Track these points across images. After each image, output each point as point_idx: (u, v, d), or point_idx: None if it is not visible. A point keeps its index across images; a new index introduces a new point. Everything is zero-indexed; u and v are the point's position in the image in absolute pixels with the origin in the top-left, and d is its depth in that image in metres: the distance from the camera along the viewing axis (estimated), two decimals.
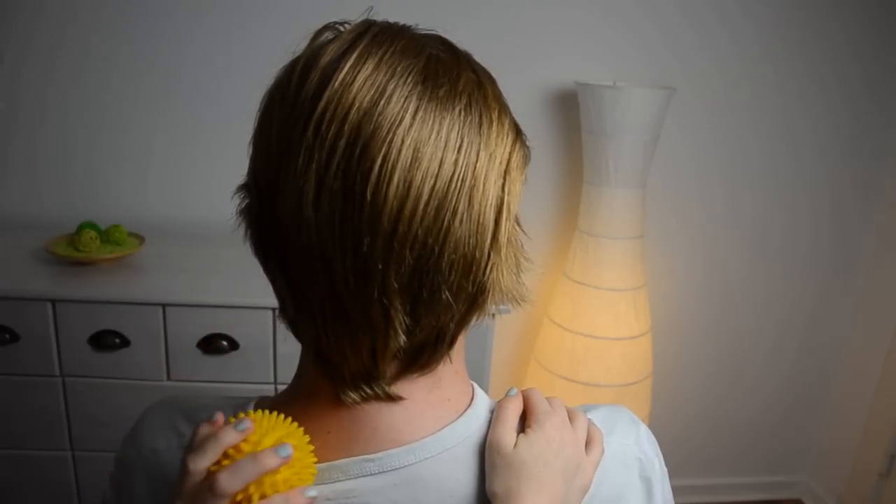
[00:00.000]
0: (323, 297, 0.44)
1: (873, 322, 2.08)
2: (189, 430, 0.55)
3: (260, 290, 1.36)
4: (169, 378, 1.43)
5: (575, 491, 0.50)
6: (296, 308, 0.47)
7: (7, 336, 1.36)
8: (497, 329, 1.53)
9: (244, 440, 0.45)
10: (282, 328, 0.50)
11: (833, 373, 2.22)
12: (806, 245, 2.07)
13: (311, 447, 0.47)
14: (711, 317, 2.11)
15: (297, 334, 0.50)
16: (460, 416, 0.51)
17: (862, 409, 2.10)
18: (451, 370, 0.52)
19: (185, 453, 0.46)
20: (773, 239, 2.05)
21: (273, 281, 0.48)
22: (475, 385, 0.55)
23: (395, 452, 0.49)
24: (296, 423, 0.48)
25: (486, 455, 0.49)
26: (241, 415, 0.48)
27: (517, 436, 0.50)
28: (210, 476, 0.44)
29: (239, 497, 0.44)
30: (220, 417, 0.47)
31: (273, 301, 0.49)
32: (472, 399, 0.53)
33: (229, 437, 0.45)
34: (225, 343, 1.40)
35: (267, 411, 0.48)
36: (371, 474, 0.48)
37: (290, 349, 0.52)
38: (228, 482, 0.44)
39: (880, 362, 2.03)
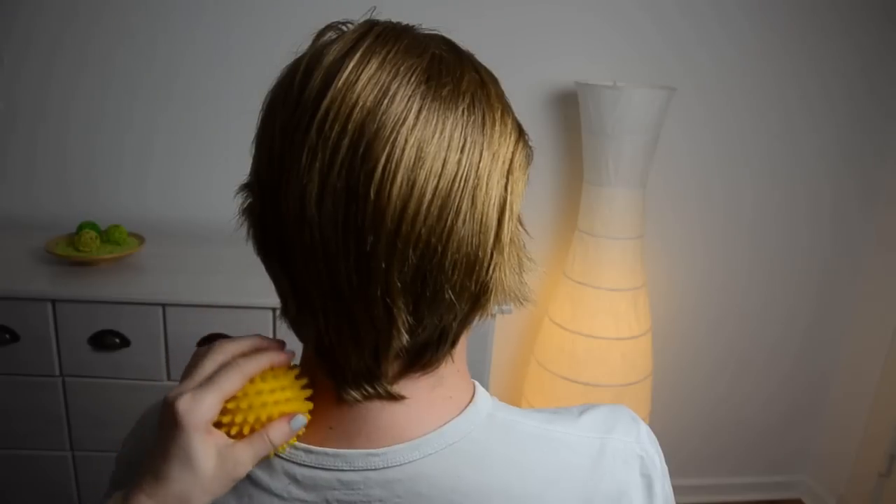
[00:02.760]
0: (325, 296, 0.45)
1: (873, 322, 2.08)
2: None
3: (260, 290, 1.36)
4: (169, 378, 1.43)
5: None
6: (298, 307, 0.47)
7: (7, 336, 1.36)
8: (497, 329, 1.53)
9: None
10: (282, 328, 0.50)
11: (833, 373, 2.22)
12: (806, 245, 2.07)
13: (307, 392, 0.50)
14: (711, 317, 2.11)
15: (299, 333, 0.50)
16: (462, 412, 0.52)
17: (862, 409, 2.10)
18: (453, 369, 0.52)
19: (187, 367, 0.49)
20: (772, 239, 2.05)
21: (275, 280, 0.49)
22: (476, 383, 0.55)
23: (398, 448, 0.49)
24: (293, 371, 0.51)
25: None
26: None
27: None
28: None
29: (227, 420, 0.47)
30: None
31: (273, 301, 0.49)
32: (473, 396, 0.54)
33: (269, 355, 0.49)
34: None
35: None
36: (376, 468, 0.49)
37: (291, 349, 0.52)
38: (246, 363, 0.48)
39: (880, 363, 2.03)
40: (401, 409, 0.49)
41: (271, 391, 0.48)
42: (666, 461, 0.58)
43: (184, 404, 0.45)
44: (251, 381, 0.48)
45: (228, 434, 0.47)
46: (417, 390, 0.50)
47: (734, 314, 2.11)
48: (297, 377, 0.50)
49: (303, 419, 0.48)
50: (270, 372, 0.49)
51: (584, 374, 1.76)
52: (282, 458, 0.50)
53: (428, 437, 0.49)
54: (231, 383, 0.47)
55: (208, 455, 0.46)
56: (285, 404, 0.48)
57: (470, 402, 0.53)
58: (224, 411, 0.47)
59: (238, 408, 0.47)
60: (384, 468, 0.49)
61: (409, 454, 0.49)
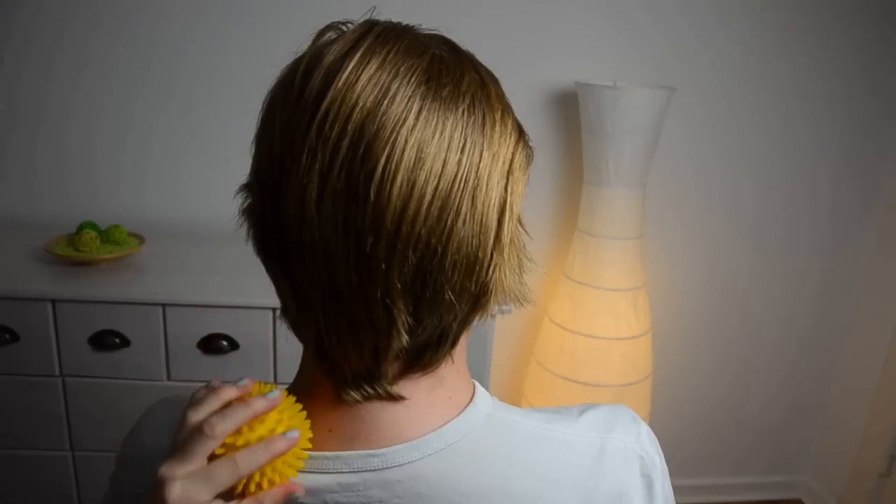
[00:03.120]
0: (325, 297, 0.45)
1: (873, 322, 2.08)
2: None
3: (260, 290, 1.36)
4: (169, 378, 1.43)
5: None
6: (298, 308, 0.47)
7: (7, 336, 1.36)
8: (497, 329, 1.53)
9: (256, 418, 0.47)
10: (282, 328, 0.50)
11: (833, 372, 2.22)
12: (806, 245, 2.07)
13: (310, 434, 0.48)
14: (711, 317, 2.11)
15: (299, 334, 0.50)
16: (462, 412, 0.52)
17: (862, 409, 2.10)
18: (453, 369, 0.52)
19: (185, 409, 0.47)
20: (772, 239, 2.05)
21: (275, 281, 0.48)
22: (476, 383, 0.55)
23: (398, 449, 0.49)
24: (301, 409, 0.49)
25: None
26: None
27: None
28: (204, 421, 0.45)
29: (240, 488, 0.45)
30: (248, 384, 0.49)
31: (273, 301, 0.49)
32: (472, 396, 0.54)
33: (228, 392, 0.47)
34: (225, 343, 1.40)
35: (284, 391, 0.49)
36: (375, 469, 0.49)
37: (291, 349, 0.52)
38: (220, 422, 0.44)
39: (880, 362, 2.03)
40: (400, 410, 0.49)
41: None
42: (666, 461, 0.58)
43: (174, 495, 0.43)
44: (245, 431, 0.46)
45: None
46: (417, 391, 0.50)
47: (734, 314, 2.11)
48: (299, 408, 0.49)
49: (297, 488, 0.47)
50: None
51: (584, 374, 1.76)
52: None
53: (427, 438, 0.49)
54: (224, 478, 0.44)
55: None
56: (281, 466, 0.46)
57: (470, 402, 0.53)
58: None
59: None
60: (383, 469, 0.49)
61: (408, 455, 0.49)
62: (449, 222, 0.43)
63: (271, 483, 0.46)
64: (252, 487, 0.46)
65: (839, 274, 2.12)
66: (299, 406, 0.49)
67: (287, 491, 0.47)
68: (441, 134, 0.42)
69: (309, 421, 0.49)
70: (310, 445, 0.48)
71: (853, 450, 2.12)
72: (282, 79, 0.46)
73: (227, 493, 0.45)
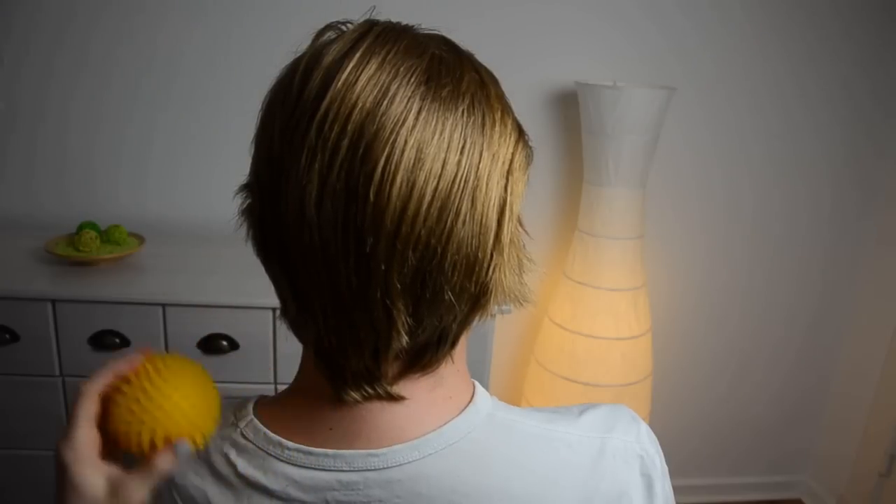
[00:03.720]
0: (325, 297, 0.44)
1: (873, 322, 2.08)
2: None
3: (260, 290, 1.36)
4: None
5: None
6: (297, 308, 0.47)
7: (7, 336, 1.36)
8: (497, 329, 1.53)
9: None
10: (282, 328, 0.50)
11: (833, 372, 2.22)
12: (806, 244, 2.07)
13: (217, 399, 0.51)
14: (711, 317, 2.11)
15: (299, 334, 0.50)
16: (461, 412, 0.52)
17: (862, 409, 2.10)
18: (452, 370, 0.52)
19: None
20: (773, 238, 2.05)
21: (275, 281, 0.48)
22: (476, 383, 0.55)
23: (398, 448, 0.49)
24: (205, 372, 0.51)
25: None
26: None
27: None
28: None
29: (123, 430, 0.48)
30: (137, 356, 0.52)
31: (273, 301, 0.49)
32: (472, 396, 0.54)
33: (120, 364, 0.50)
34: (225, 343, 1.40)
35: (181, 356, 0.52)
36: (375, 469, 0.49)
37: (291, 349, 0.52)
38: (87, 382, 0.49)
39: (880, 363, 2.03)
40: (400, 410, 0.49)
41: (165, 397, 0.48)
42: (666, 461, 0.58)
43: (61, 444, 0.48)
44: (145, 389, 0.48)
45: (129, 450, 0.49)
46: (417, 391, 0.50)
47: (734, 314, 2.11)
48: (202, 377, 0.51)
49: (186, 447, 0.49)
50: (168, 372, 0.50)
51: (584, 374, 1.76)
52: (280, 459, 0.50)
53: (428, 438, 0.49)
54: (85, 408, 0.48)
55: (96, 485, 0.47)
56: (179, 416, 0.48)
57: (470, 402, 0.53)
58: (117, 430, 0.48)
59: (129, 423, 0.48)
60: (384, 468, 0.49)
61: (408, 454, 0.49)
62: (448, 223, 0.43)
63: (167, 435, 0.48)
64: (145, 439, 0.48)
65: (839, 274, 2.12)
66: (208, 379, 0.51)
67: (174, 453, 0.49)
68: (440, 134, 0.42)
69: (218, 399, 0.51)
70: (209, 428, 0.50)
71: (853, 450, 2.12)
72: (281, 79, 0.46)
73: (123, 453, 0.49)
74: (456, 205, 0.43)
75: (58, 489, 0.48)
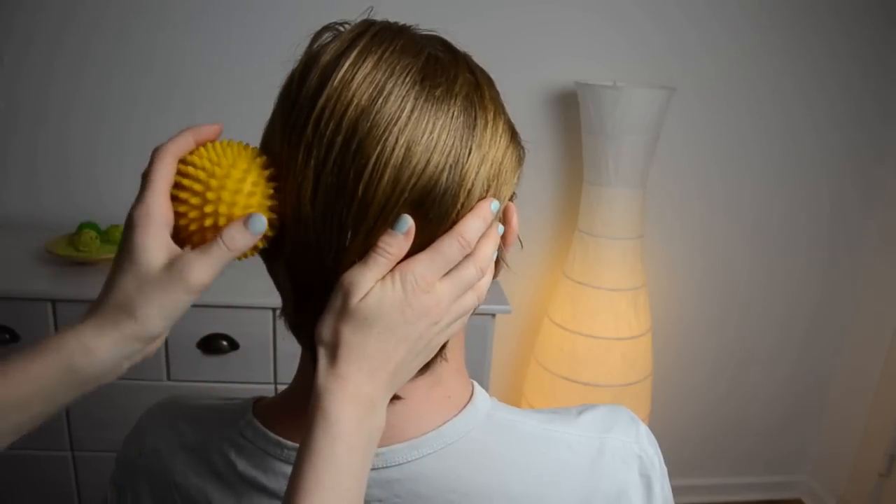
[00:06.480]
0: (321, 295, 0.45)
1: (873, 322, 2.08)
2: (190, 430, 0.55)
3: (260, 290, 1.36)
4: (169, 378, 1.43)
5: (412, 367, 0.46)
6: (295, 307, 0.47)
7: (7, 336, 1.36)
8: (497, 329, 1.53)
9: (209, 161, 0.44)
10: (282, 328, 0.50)
11: (833, 372, 2.22)
12: (806, 244, 2.07)
13: (272, 189, 0.45)
14: (711, 317, 2.11)
15: (298, 335, 0.50)
16: (460, 411, 0.52)
17: (862, 409, 2.10)
18: (450, 368, 0.52)
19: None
20: (773, 239, 2.05)
21: (276, 280, 0.49)
22: (475, 383, 0.55)
23: (397, 448, 0.49)
24: (260, 157, 0.45)
25: (333, 293, 0.44)
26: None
27: (375, 284, 0.43)
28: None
29: (191, 214, 0.44)
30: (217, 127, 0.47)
31: (273, 301, 0.49)
32: (471, 395, 0.54)
33: (202, 129, 0.46)
34: (225, 343, 1.40)
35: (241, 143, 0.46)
36: (375, 468, 0.49)
37: (291, 349, 0.52)
38: (165, 144, 0.44)
39: (880, 362, 2.03)
40: (399, 409, 0.49)
41: (232, 180, 0.43)
42: (666, 461, 0.58)
43: (134, 207, 0.43)
44: (208, 172, 0.44)
45: (192, 237, 0.44)
46: (415, 390, 0.50)
47: (734, 314, 2.11)
48: (263, 166, 0.45)
49: (262, 221, 0.43)
50: (227, 156, 0.44)
51: (584, 374, 1.76)
52: (280, 459, 0.50)
53: (426, 437, 0.50)
54: (163, 173, 0.44)
55: (153, 250, 0.42)
56: (246, 197, 0.43)
57: (468, 401, 0.53)
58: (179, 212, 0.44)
59: (189, 202, 0.44)
60: (383, 468, 0.49)
61: (407, 454, 0.49)
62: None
63: (231, 216, 0.43)
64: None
65: (839, 274, 2.12)
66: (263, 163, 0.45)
67: (248, 230, 0.43)
68: (430, 133, 0.43)
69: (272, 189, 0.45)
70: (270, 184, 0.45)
71: (853, 450, 2.12)
72: (285, 81, 0.47)
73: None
74: (437, 203, 0.43)
75: (116, 255, 0.44)
